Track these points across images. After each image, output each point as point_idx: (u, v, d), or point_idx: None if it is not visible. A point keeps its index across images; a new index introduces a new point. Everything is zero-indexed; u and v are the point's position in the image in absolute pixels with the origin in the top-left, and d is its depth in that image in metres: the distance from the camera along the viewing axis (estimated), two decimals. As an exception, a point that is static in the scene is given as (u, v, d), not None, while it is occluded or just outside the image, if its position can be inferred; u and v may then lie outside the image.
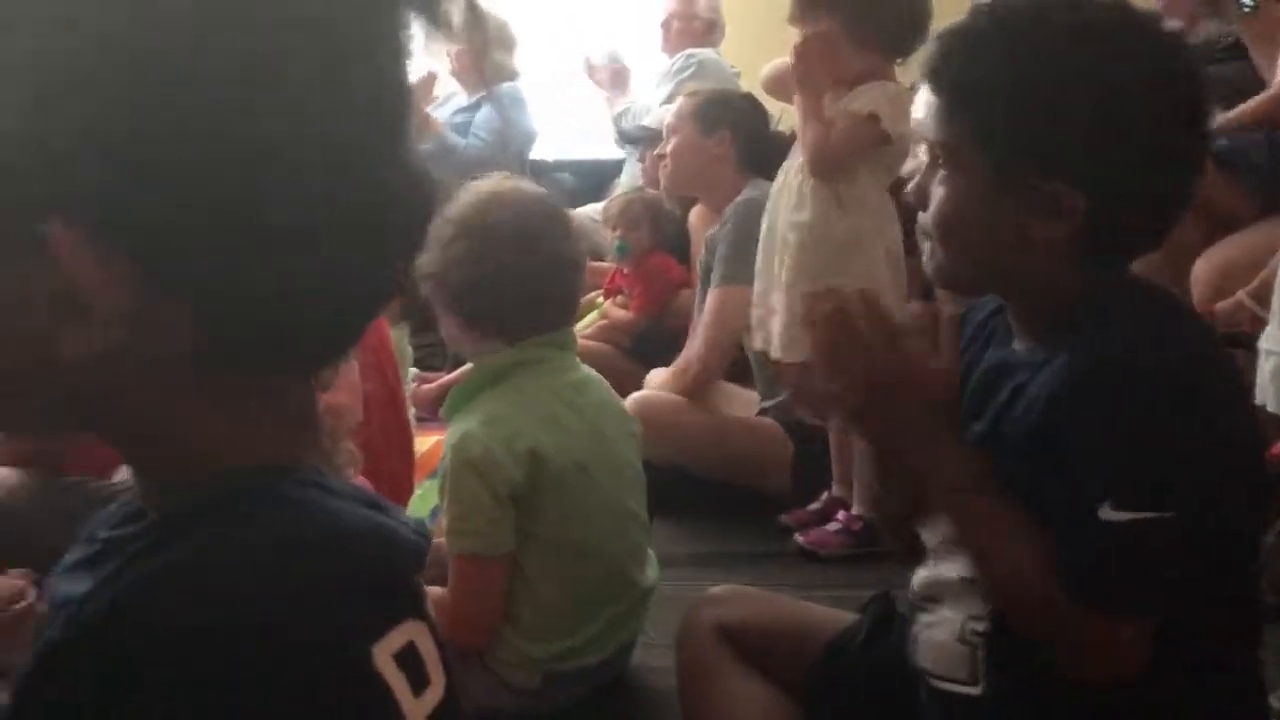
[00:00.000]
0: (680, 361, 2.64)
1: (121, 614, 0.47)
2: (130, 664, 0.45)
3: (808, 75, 2.14)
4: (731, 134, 2.65)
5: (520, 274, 1.56)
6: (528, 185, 1.70)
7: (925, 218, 1.07)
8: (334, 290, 0.51)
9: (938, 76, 1.05)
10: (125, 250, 0.46)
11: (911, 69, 2.26)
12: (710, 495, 2.40)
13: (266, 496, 0.51)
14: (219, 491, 0.51)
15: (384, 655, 0.49)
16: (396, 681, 0.49)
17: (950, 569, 1.08)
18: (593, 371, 1.75)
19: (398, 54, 0.51)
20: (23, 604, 1.40)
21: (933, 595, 1.11)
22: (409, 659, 0.50)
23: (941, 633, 1.09)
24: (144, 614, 0.46)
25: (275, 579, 0.48)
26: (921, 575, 1.14)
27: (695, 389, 2.57)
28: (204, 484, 0.51)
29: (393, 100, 0.51)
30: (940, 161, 1.05)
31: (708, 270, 2.64)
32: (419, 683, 0.50)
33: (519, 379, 1.59)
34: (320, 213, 0.48)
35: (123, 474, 1.97)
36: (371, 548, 0.53)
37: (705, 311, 2.59)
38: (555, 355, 1.64)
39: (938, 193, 1.05)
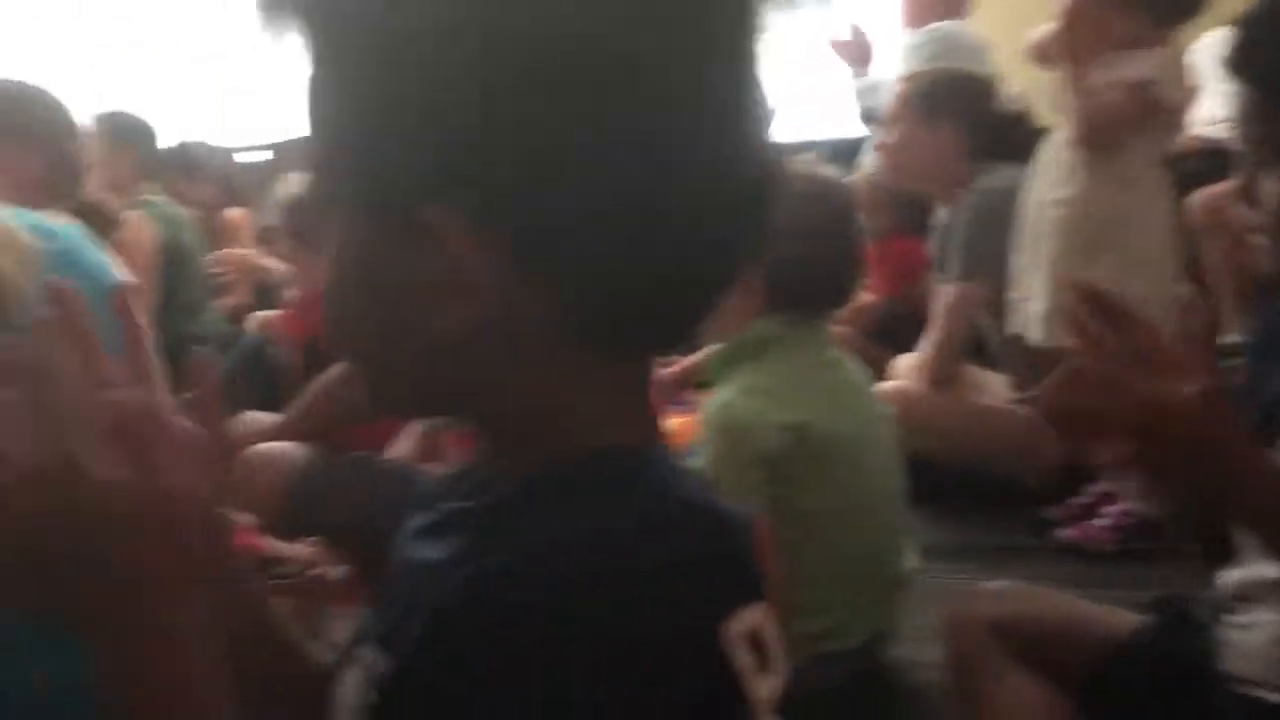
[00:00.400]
0: (919, 357, 2.56)
1: (485, 590, 0.48)
2: (496, 636, 0.47)
3: (1077, 41, 2.02)
4: (958, 123, 2.47)
5: (832, 252, 1.59)
6: (829, 170, 1.70)
7: (1257, 215, 0.99)
8: (686, 273, 0.52)
9: (1244, 67, 0.97)
10: (500, 232, 0.48)
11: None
12: (966, 486, 2.32)
13: (618, 476, 0.53)
14: (573, 470, 0.52)
15: (732, 635, 0.49)
16: (743, 662, 0.49)
17: (1270, 569, 0.99)
18: (844, 353, 1.73)
19: (751, 45, 0.52)
20: (316, 570, 1.50)
21: (1246, 596, 1.03)
22: (754, 641, 0.50)
23: (1257, 636, 1.01)
24: (506, 590, 0.48)
25: (630, 558, 0.49)
26: (1232, 575, 1.05)
27: (935, 386, 2.48)
28: (558, 461, 0.53)
29: (746, 86, 0.52)
30: (1259, 156, 0.97)
31: (940, 260, 2.54)
32: (763, 666, 0.50)
33: (779, 352, 1.58)
34: (677, 196, 0.50)
35: (397, 449, 2.08)
36: (718, 529, 0.53)
37: (939, 308, 2.50)
38: (814, 333, 1.63)
39: (1271, 188, 0.96)
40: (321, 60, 0.53)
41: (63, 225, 1.26)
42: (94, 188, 3.17)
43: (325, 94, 0.53)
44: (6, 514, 0.49)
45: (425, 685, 0.49)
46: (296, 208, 2.36)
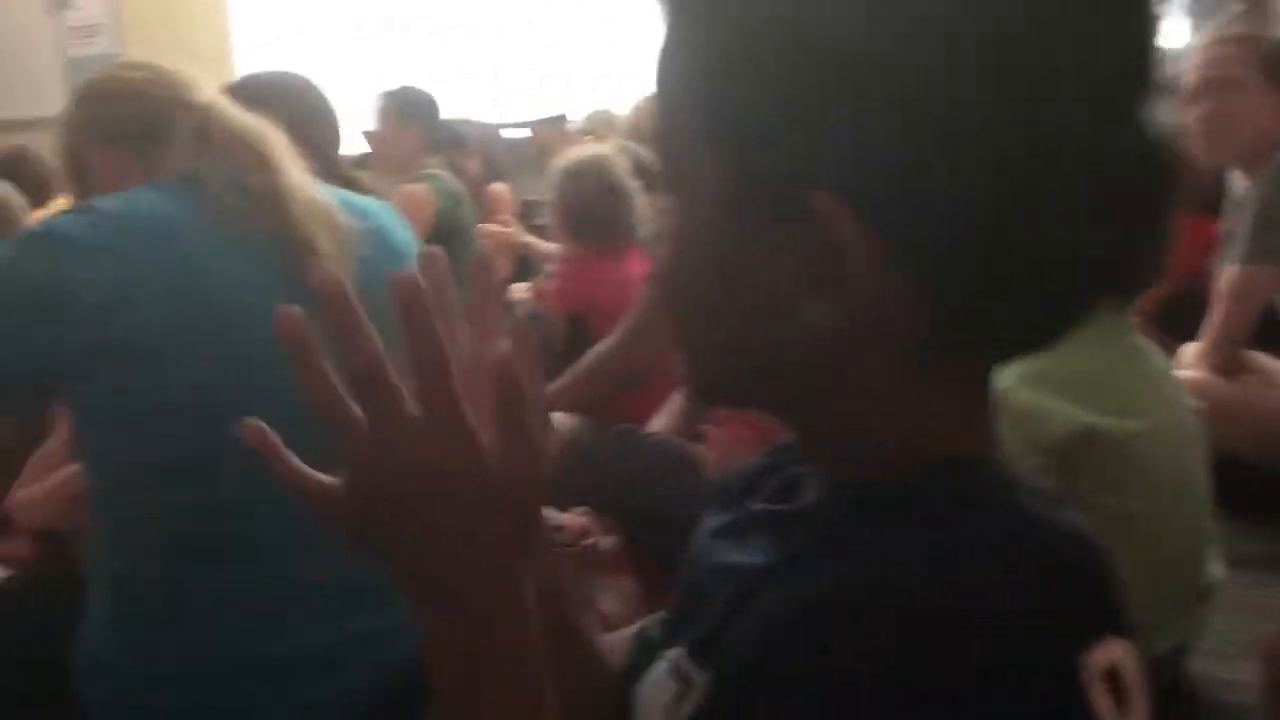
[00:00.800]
0: (1201, 344, 2.36)
1: (818, 612, 0.45)
2: (830, 662, 0.44)
3: None
4: None
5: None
6: None
7: None
8: (1069, 274, 0.48)
9: None
10: (885, 222, 0.45)
11: None
12: (1267, 488, 2.12)
13: (965, 490, 0.49)
14: (912, 480, 0.49)
15: (1090, 670, 0.44)
16: (1101, 700, 0.44)
17: None
18: (1145, 339, 1.60)
19: (1147, 19, 0.47)
20: (589, 540, 1.52)
21: None
22: (1113, 679, 0.45)
23: None
24: (843, 614, 0.45)
25: (980, 583, 0.44)
26: None
27: (1216, 375, 2.28)
28: (893, 470, 0.49)
29: (1137, 65, 0.47)
30: None
31: (1231, 235, 2.33)
32: (1123, 708, 0.45)
33: (1073, 338, 1.47)
34: (1073, 191, 0.46)
35: (657, 423, 2.10)
36: (1075, 553, 0.48)
37: (1221, 291, 2.28)
38: (1115, 319, 1.51)
39: None
40: (687, 28, 0.50)
41: (373, 203, 1.32)
42: (379, 162, 3.38)
43: (691, 69, 0.50)
44: (384, 471, 0.48)
45: (750, 705, 0.47)
46: (565, 185, 2.41)
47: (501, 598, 0.49)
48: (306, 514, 0.49)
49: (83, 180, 1.34)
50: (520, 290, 3.37)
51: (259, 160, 1.20)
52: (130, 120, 1.29)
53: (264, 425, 0.49)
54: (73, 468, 1.25)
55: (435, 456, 0.47)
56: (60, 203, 3.10)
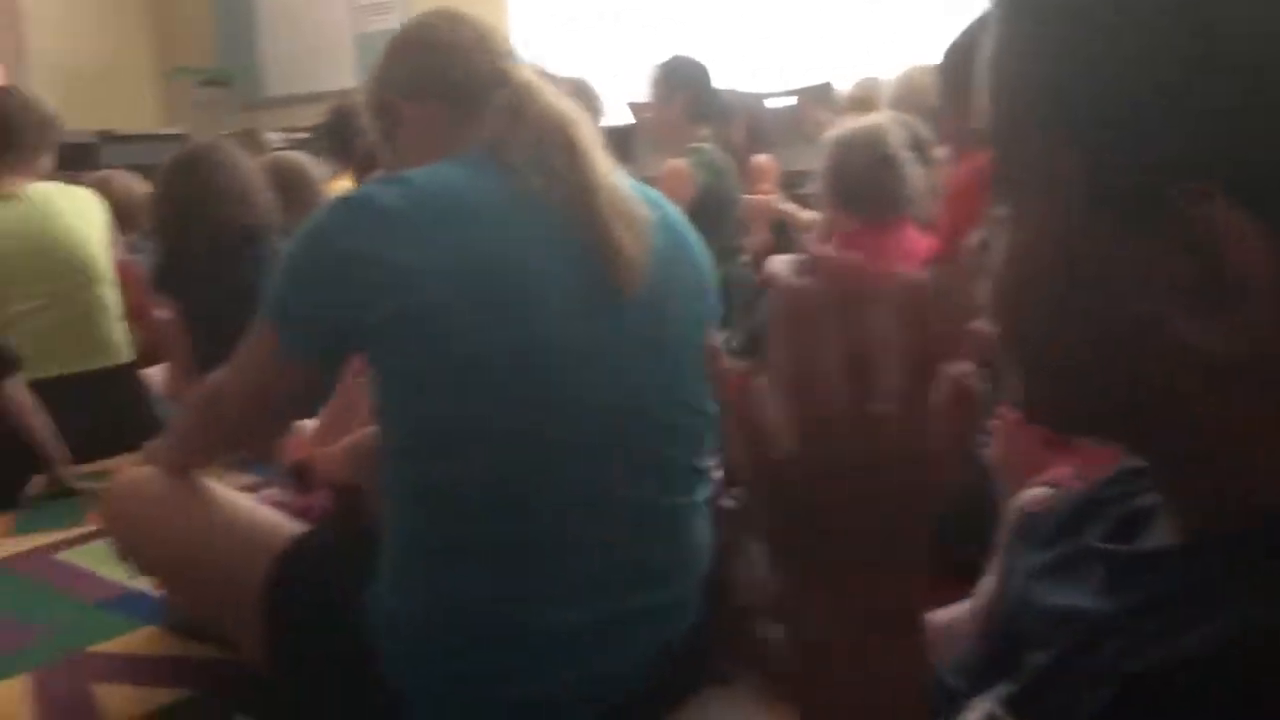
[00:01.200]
0: None
1: (1212, 668, 0.39)
2: None
3: None
4: None
5: None
6: None
7: None
8: None
9: None
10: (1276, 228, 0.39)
11: None
12: None
13: None
14: None
15: None
16: None
17: None
18: None
19: None
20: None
21: None
22: None
23: None
24: (1240, 673, 0.39)
25: None
26: None
27: None
28: (1277, 513, 0.43)
29: None
30: None
31: None
32: None
33: None
34: None
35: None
36: None
37: None
38: None
39: None
40: (1024, 9, 0.46)
41: (657, 193, 1.31)
42: (647, 132, 3.40)
43: (1037, 55, 0.45)
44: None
45: None
46: (837, 155, 2.35)
47: (905, 604, 0.47)
48: (732, 453, 0.46)
49: (390, 136, 1.35)
50: (779, 260, 3.32)
51: (567, 144, 1.19)
52: (446, 74, 1.28)
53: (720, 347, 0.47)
54: (372, 427, 1.30)
55: (898, 456, 0.44)
56: (343, 179, 3.29)
